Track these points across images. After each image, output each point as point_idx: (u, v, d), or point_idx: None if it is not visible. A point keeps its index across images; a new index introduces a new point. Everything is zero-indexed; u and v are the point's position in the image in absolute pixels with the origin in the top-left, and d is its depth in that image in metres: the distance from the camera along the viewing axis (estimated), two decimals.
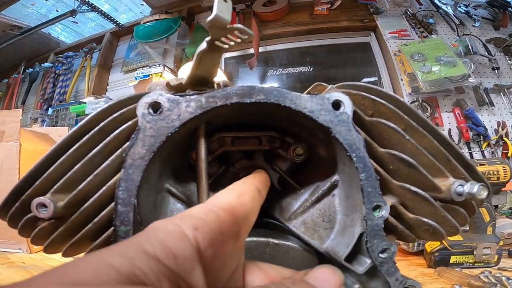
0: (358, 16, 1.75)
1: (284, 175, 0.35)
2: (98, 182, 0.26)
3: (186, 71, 1.66)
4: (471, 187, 0.27)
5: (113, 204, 0.25)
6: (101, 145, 0.26)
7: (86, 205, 0.26)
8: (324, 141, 0.31)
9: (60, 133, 1.55)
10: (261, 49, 1.82)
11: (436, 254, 0.75)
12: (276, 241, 0.31)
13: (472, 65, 1.44)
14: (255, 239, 0.31)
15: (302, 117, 0.28)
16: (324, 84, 0.34)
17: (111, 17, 2.18)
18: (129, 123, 0.26)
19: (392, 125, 0.29)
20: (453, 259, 0.75)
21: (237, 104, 0.26)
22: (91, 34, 2.51)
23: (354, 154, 0.27)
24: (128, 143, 0.25)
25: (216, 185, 0.36)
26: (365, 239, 0.27)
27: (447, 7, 1.64)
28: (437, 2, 1.64)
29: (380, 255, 0.27)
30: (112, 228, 0.25)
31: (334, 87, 0.30)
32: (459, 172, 0.29)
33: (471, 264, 0.75)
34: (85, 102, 1.89)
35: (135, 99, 0.27)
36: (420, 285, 0.29)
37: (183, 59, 1.94)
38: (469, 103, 1.51)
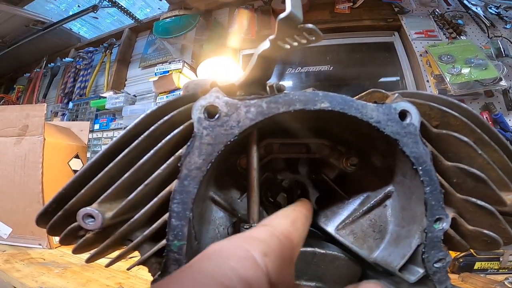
0: (382, 15, 1.70)
1: (332, 184, 0.33)
2: (148, 192, 0.24)
3: (206, 67, 1.65)
4: None
5: (165, 216, 0.24)
6: (152, 151, 0.24)
7: (136, 216, 0.24)
8: (382, 152, 0.29)
9: (82, 128, 1.57)
10: None
11: (461, 260, 0.75)
12: (322, 251, 0.30)
13: (505, 68, 1.37)
14: (301, 249, 0.30)
15: (366, 127, 0.26)
16: (382, 91, 0.31)
17: (130, 12, 2.19)
18: (182, 127, 0.24)
19: (465, 139, 0.27)
20: (477, 265, 0.75)
21: (300, 112, 0.25)
22: (111, 30, 2.54)
23: (420, 168, 0.26)
24: (181, 150, 0.24)
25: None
26: (422, 250, 0.26)
27: (477, 8, 1.56)
28: (467, 3, 1.57)
29: (435, 265, 0.26)
30: (164, 241, 0.24)
31: (400, 95, 0.28)
32: None
33: (495, 270, 0.75)
34: (105, 97, 1.92)
35: (185, 100, 0.26)
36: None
37: (201, 55, 1.94)
38: (498, 107, 1.44)
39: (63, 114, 2.17)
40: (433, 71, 1.44)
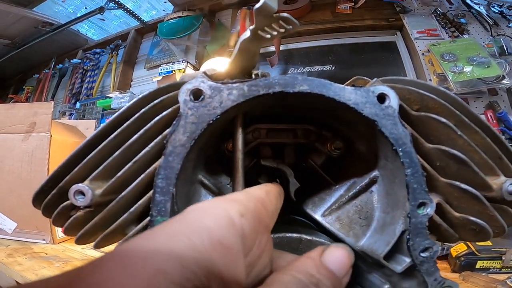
0: (384, 15, 1.70)
1: (319, 169, 0.34)
2: (136, 169, 0.26)
3: (208, 66, 1.68)
4: None
5: (150, 193, 0.25)
6: (141, 131, 0.26)
7: (124, 193, 0.26)
8: (365, 136, 0.30)
9: (88, 126, 1.61)
10: (282, 47, 1.81)
11: (462, 258, 0.74)
12: (309, 237, 0.30)
13: (507, 66, 1.35)
14: (287, 235, 0.30)
15: (345, 110, 0.27)
16: (365, 78, 0.32)
17: (135, 14, 2.24)
18: (169, 110, 0.26)
19: (443, 120, 0.27)
20: (479, 264, 0.74)
21: (279, 94, 0.26)
22: (117, 31, 2.60)
23: (400, 149, 0.26)
24: (168, 129, 0.25)
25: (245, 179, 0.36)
26: (407, 237, 0.26)
27: (479, 7, 1.55)
28: (469, 2, 1.56)
29: (421, 254, 0.26)
30: (148, 218, 0.24)
31: (378, 80, 0.29)
32: (510, 171, 0.27)
33: (498, 270, 0.74)
34: (111, 97, 1.96)
35: (175, 86, 0.27)
36: (458, 285, 0.28)
37: (205, 55, 1.97)
38: (502, 106, 1.42)
39: (71, 114, 2.23)
40: (436, 69, 1.43)
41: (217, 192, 0.33)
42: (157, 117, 0.26)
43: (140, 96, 0.27)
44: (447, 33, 1.58)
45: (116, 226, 0.26)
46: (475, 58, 1.37)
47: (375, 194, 0.31)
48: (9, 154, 1.06)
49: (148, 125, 0.26)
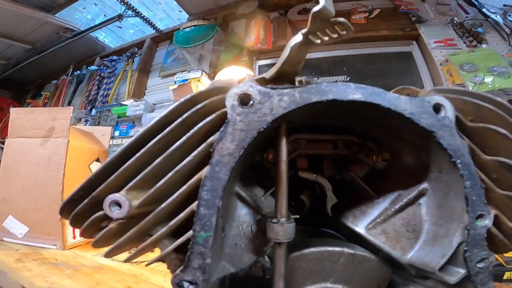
0: (399, 25, 1.69)
1: (361, 182, 0.32)
2: (177, 179, 0.24)
3: (223, 75, 1.69)
4: None
5: (193, 205, 0.23)
6: (183, 138, 0.24)
7: (163, 205, 0.24)
8: (415, 147, 0.29)
9: (104, 133, 1.63)
10: None
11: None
12: (351, 251, 0.29)
13: None
14: (329, 248, 0.29)
15: (397, 120, 0.26)
16: (412, 87, 0.31)
17: (151, 22, 2.30)
18: (214, 115, 0.24)
19: (503, 131, 0.26)
20: (507, 275, 0.72)
21: (331, 102, 0.25)
22: (133, 39, 2.67)
23: (458, 161, 0.25)
24: (213, 136, 0.24)
25: None
26: (464, 248, 0.25)
27: (496, 16, 1.53)
28: (485, 11, 1.54)
29: (478, 265, 0.25)
30: (189, 233, 0.23)
31: (433, 89, 0.28)
32: None
33: None
34: (126, 104, 2.00)
35: (216, 91, 0.26)
36: None
37: (218, 64, 1.99)
38: None
39: (86, 121, 2.27)
40: (455, 80, 1.40)
41: (254, 204, 0.32)
42: (201, 123, 0.24)
43: (182, 100, 0.25)
44: (464, 42, 1.56)
45: (152, 241, 0.25)
46: (495, 68, 1.34)
47: (423, 207, 0.30)
48: (26, 158, 1.07)
49: (192, 131, 0.24)
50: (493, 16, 1.49)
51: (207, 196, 0.23)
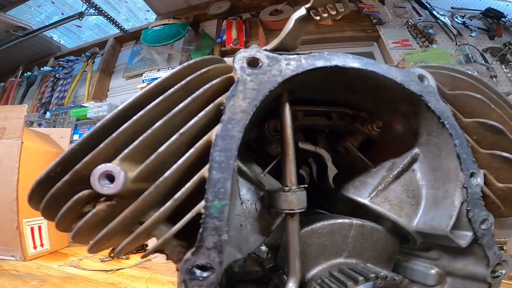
0: (362, 26, 1.82)
1: (357, 151, 0.34)
2: (181, 145, 0.21)
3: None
4: None
5: (202, 172, 0.20)
6: (188, 99, 0.22)
7: (167, 173, 0.20)
8: (405, 115, 0.31)
9: (62, 135, 1.49)
10: None
11: None
12: (359, 222, 0.30)
13: (475, 73, 1.50)
14: (338, 220, 0.29)
15: (391, 87, 0.28)
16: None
17: (116, 21, 2.17)
18: (220, 79, 0.23)
19: (478, 96, 0.29)
20: None
21: (334, 68, 0.26)
22: (93, 39, 2.49)
23: (446, 122, 0.27)
24: (221, 97, 0.22)
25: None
26: (467, 208, 0.26)
27: (445, 18, 1.73)
28: (436, 14, 1.73)
29: (481, 226, 0.26)
30: (200, 205, 0.19)
31: (414, 64, 0.31)
32: None
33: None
34: (86, 106, 1.85)
35: (216, 60, 0.26)
36: None
37: None
38: None
39: (40, 124, 2.05)
40: None
41: (256, 180, 0.31)
42: (208, 85, 0.23)
43: (184, 64, 0.24)
44: (418, 43, 1.72)
45: (146, 226, 0.20)
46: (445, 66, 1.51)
47: (418, 172, 0.31)
48: None
49: (197, 92, 0.22)
50: (442, 18, 1.67)
51: (220, 157, 0.20)
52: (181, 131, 0.20)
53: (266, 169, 0.33)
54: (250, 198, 0.30)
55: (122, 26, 2.22)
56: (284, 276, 0.26)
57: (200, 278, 0.19)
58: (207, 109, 0.22)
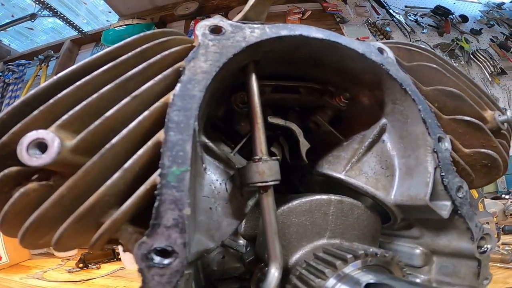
0: (327, 25, 1.90)
1: (328, 126, 0.34)
2: (133, 112, 0.18)
3: None
4: None
5: (155, 137, 0.17)
6: (144, 64, 0.20)
7: (115, 139, 0.17)
8: (369, 86, 0.32)
9: None
10: None
11: None
12: (338, 197, 0.29)
13: None
14: (316, 197, 0.28)
15: (354, 59, 0.29)
16: None
17: (73, 23, 2.04)
18: (180, 47, 0.22)
19: (434, 65, 0.31)
20: None
21: (298, 38, 0.26)
22: (48, 42, 2.31)
23: (408, 88, 0.28)
24: (180, 62, 0.21)
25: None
26: (441, 174, 0.26)
27: (399, 16, 1.87)
28: (392, 12, 1.86)
29: (458, 194, 0.26)
30: (155, 174, 0.16)
31: (373, 40, 0.32)
32: (491, 107, 0.32)
33: None
34: None
35: (175, 33, 0.25)
36: (494, 233, 0.28)
37: None
38: None
39: None
40: None
41: (224, 157, 0.29)
42: (167, 51, 0.21)
43: (141, 34, 0.22)
44: (377, 40, 1.84)
45: (97, 198, 0.16)
46: None
47: (388, 143, 0.32)
48: None
49: (155, 58, 0.20)
50: (397, 16, 1.80)
51: (179, 116, 0.18)
52: (133, 94, 0.18)
53: (236, 147, 0.32)
54: (219, 177, 0.28)
55: (80, 28, 2.09)
56: (267, 268, 0.24)
57: (160, 266, 0.15)
58: (165, 72, 0.20)
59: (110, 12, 2.17)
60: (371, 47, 0.30)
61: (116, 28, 1.82)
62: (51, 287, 0.71)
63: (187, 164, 0.17)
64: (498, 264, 0.68)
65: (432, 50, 0.34)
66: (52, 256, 1.09)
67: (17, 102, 0.17)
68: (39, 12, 1.81)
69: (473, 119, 0.29)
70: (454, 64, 0.39)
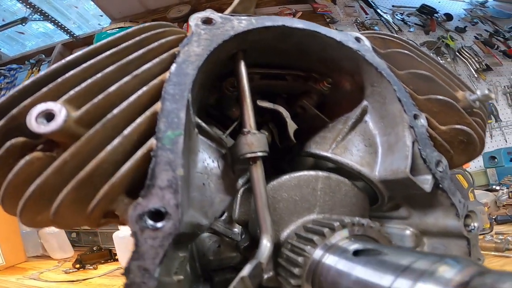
0: None
1: (314, 109, 0.37)
2: (132, 89, 0.20)
3: None
4: (482, 91, 0.32)
5: (152, 108, 0.19)
6: (144, 49, 0.22)
7: (116, 110, 0.18)
8: (350, 72, 0.35)
9: None
10: None
11: None
12: (325, 174, 0.30)
13: None
14: (304, 173, 0.30)
15: (333, 47, 0.32)
16: None
17: (65, 27, 2.04)
18: (175, 36, 0.25)
19: (406, 52, 0.34)
20: None
21: (281, 28, 0.29)
22: (39, 46, 2.30)
23: (383, 72, 0.31)
24: (175, 48, 0.24)
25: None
26: (419, 148, 0.28)
27: (387, 15, 1.92)
28: (380, 12, 1.92)
29: (438, 168, 0.28)
30: (152, 139, 0.18)
31: (350, 31, 0.35)
32: (462, 88, 0.35)
33: None
34: None
35: (169, 25, 0.27)
36: (482, 211, 0.29)
37: None
38: None
39: None
40: None
41: (216, 137, 0.30)
42: (163, 40, 0.24)
43: (140, 26, 0.25)
44: None
45: (91, 168, 0.17)
46: None
47: (370, 123, 0.34)
48: None
49: (154, 44, 0.23)
50: (385, 16, 1.86)
51: (174, 90, 0.20)
52: (134, 73, 0.21)
53: (228, 130, 0.34)
54: (212, 155, 0.30)
55: (72, 32, 2.09)
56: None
57: (154, 228, 0.16)
58: (162, 56, 0.23)
59: (101, 15, 2.17)
60: (349, 36, 0.32)
61: (108, 31, 1.83)
62: (48, 287, 0.71)
63: (181, 129, 0.19)
64: (493, 253, 0.71)
65: (405, 39, 0.38)
66: (49, 258, 1.09)
67: (28, 81, 0.19)
68: (30, 16, 1.81)
69: (445, 98, 0.32)
70: (441, 61, 0.42)
